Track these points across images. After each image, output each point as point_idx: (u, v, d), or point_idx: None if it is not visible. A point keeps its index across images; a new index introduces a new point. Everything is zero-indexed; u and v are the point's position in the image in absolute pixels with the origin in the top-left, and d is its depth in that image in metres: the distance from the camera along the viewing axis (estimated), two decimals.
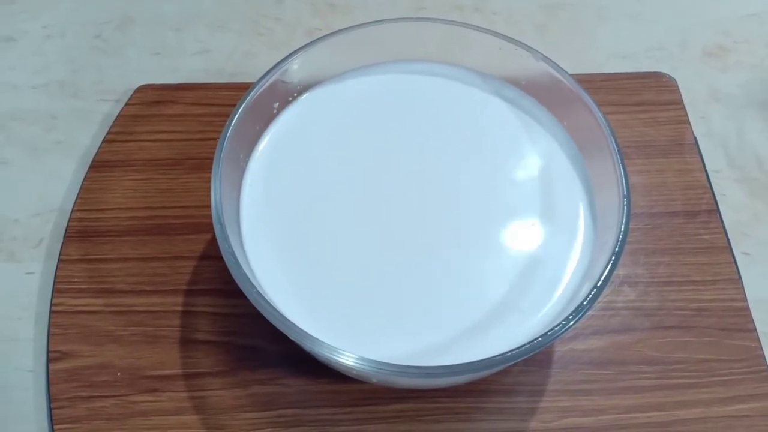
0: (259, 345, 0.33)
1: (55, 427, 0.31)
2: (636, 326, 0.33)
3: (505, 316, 0.28)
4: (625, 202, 0.28)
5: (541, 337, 0.25)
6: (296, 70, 0.32)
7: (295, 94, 0.33)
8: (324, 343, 0.25)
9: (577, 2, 0.47)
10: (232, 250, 0.26)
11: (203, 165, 0.38)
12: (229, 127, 0.29)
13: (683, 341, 0.33)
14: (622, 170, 0.28)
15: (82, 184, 0.37)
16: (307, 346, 0.25)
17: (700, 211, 0.37)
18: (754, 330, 0.33)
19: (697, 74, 0.44)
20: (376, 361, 0.25)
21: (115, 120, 0.39)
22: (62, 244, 0.35)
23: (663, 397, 0.32)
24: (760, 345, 0.33)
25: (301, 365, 0.32)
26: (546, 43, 0.45)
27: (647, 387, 0.32)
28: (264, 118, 0.32)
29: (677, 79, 0.42)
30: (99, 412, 0.31)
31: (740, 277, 0.35)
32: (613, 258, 0.26)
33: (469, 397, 0.32)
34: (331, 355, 0.25)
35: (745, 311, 0.34)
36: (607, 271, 0.26)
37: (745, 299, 0.34)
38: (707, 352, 0.33)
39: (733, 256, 0.35)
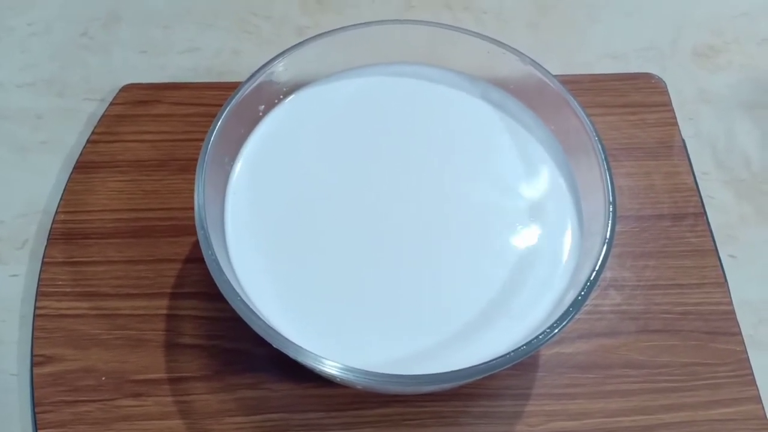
0: (244, 349, 0.33)
1: (40, 431, 0.31)
2: (622, 330, 0.33)
3: (493, 322, 0.28)
4: (611, 209, 0.28)
5: (525, 345, 0.25)
6: (282, 72, 0.32)
7: (281, 97, 0.33)
8: (308, 351, 0.25)
9: (568, 1, 0.47)
10: (216, 257, 0.26)
11: (189, 166, 0.37)
12: (212, 132, 0.29)
13: (669, 345, 0.33)
14: (608, 176, 0.28)
15: (67, 185, 0.37)
16: (291, 354, 0.25)
17: (687, 214, 0.37)
18: (740, 333, 0.33)
19: (686, 75, 0.44)
20: (359, 370, 0.25)
21: (100, 120, 0.39)
22: (46, 246, 0.35)
23: (648, 400, 0.32)
24: (745, 348, 0.33)
25: (287, 369, 0.32)
26: (536, 43, 0.45)
27: (632, 390, 0.32)
28: (249, 120, 0.32)
29: (667, 80, 0.42)
30: (83, 417, 0.31)
31: (726, 280, 0.35)
32: (597, 266, 0.26)
33: (455, 401, 0.32)
34: (315, 364, 0.25)
35: (730, 315, 0.34)
36: (591, 278, 0.26)
37: (730, 302, 0.34)
38: (692, 355, 0.33)
39: (720, 259, 0.35)
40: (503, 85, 0.33)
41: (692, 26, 0.46)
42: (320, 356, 0.25)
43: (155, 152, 0.38)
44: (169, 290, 0.34)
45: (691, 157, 0.39)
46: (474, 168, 0.32)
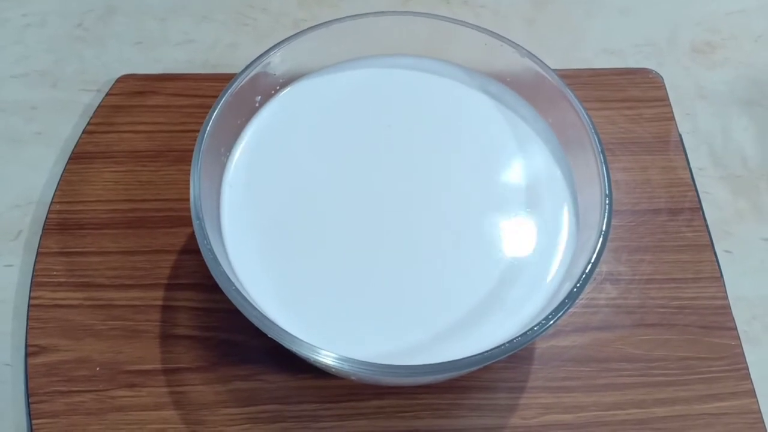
0: (240, 340, 0.32)
1: (34, 422, 0.31)
2: (617, 324, 0.33)
3: (488, 315, 0.28)
4: (607, 202, 0.28)
5: (520, 336, 0.25)
6: (279, 63, 0.32)
7: (278, 88, 0.33)
8: (303, 341, 0.25)
9: None
10: (211, 247, 0.26)
11: (185, 157, 0.37)
12: (209, 122, 0.29)
13: (664, 339, 0.33)
14: (604, 169, 0.28)
15: (62, 175, 0.37)
16: (286, 344, 0.25)
17: (684, 209, 0.37)
18: (735, 328, 0.33)
19: (684, 71, 0.44)
20: (353, 360, 0.25)
21: (96, 111, 0.39)
22: (41, 236, 0.35)
23: (643, 394, 0.32)
24: (740, 343, 0.33)
25: (282, 361, 0.32)
26: (534, 38, 0.45)
27: (628, 384, 0.32)
28: (246, 111, 0.32)
29: (664, 76, 0.42)
30: (78, 407, 0.31)
31: (722, 275, 0.35)
32: (593, 258, 0.26)
33: (449, 394, 0.32)
34: (310, 354, 0.25)
35: (725, 309, 0.34)
36: (587, 270, 0.26)
37: (726, 297, 0.34)
38: (687, 349, 0.33)
39: (715, 254, 0.35)
40: (500, 77, 0.33)
41: (689, 23, 0.46)
42: (315, 346, 0.25)
43: (151, 143, 0.38)
44: (164, 281, 0.34)
45: (687, 152, 0.39)
46: (470, 160, 0.31)
